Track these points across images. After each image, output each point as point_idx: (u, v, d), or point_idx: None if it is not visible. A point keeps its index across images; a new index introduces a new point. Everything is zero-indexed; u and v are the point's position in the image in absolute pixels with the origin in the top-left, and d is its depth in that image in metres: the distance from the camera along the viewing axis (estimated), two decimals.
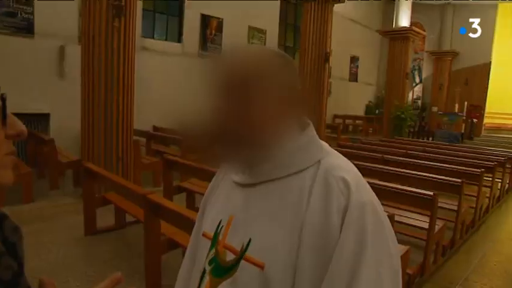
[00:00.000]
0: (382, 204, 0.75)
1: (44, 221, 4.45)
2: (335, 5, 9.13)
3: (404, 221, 3.84)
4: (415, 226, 3.85)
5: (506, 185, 7.05)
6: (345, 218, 0.66)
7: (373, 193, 0.73)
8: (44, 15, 7.07)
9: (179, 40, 9.99)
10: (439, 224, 3.74)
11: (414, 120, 13.90)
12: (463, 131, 14.34)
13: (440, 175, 4.71)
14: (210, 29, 10.43)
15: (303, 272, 0.67)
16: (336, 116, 15.04)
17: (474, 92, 16.34)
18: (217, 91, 0.74)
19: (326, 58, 8.89)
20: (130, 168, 5.40)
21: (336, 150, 0.81)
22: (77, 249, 3.79)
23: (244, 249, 0.73)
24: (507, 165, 6.80)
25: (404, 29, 12.66)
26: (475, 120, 15.22)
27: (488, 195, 5.68)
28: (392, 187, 3.80)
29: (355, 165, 0.78)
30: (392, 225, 0.74)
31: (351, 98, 16.06)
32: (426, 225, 3.58)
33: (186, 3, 9.86)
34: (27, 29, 6.94)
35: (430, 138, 13.92)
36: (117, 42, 5.06)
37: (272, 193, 0.74)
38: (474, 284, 3.56)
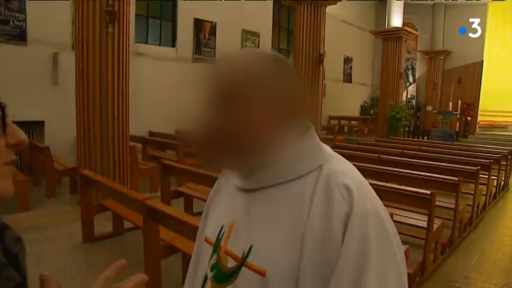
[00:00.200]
0: None
1: (42, 229, 4.41)
2: (327, 6, 9.19)
3: (402, 221, 3.85)
4: (413, 225, 3.87)
5: (502, 182, 7.10)
6: (347, 226, 0.64)
7: (378, 198, 0.71)
8: (36, 23, 7.04)
9: (173, 44, 9.99)
10: (437, 223, 3.75)
11: (409, 119, 13.98)
12: (457, 130, 14.45)
13: (437, 174, 4.74)
14: (204, 32, 10.45)
15: (304, 281, 0.65)
16: (331, 117, 15.10)
17: (467, 91, 16.49)
18: (211, 101, 0.72)
19: (320, 60, 8.93)
20: (127, 174, 5.37)
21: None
22: (76, 256, 3.76)
23: (246, 256, 0.72)
24: (502, 162, 6.86)
25: (396, 29, 12.77)
26: (469, 118, 15.36)
27: (484, 192, 5.72)
28: (389, 187, 3.81)
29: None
30: None
31: (345, 99, 16.14)
32: (424, 224, 3.59)
33: (179, 7, 9.87)
34: (19, 36, 6.91)
35: (426, 137, 14.02)
36: (111, 48, 5.05)
37: (273, 199, 0.73)
38: (474, 281, 3.58)
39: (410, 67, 18.04)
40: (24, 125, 6.90)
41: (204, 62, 10.26)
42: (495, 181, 6.44)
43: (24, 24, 6.94)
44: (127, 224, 4.25)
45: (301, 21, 8.93)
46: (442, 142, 11.06)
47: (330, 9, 9.71)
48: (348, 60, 16.57)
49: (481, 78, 16.36)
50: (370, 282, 0.62)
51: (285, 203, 0.71)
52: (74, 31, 6.12)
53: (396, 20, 13.17)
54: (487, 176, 5.73)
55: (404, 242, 3.33)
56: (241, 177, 0.80)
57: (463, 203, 4.57)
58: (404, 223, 3.86)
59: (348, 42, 16.02)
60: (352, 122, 15.91)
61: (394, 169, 5.04)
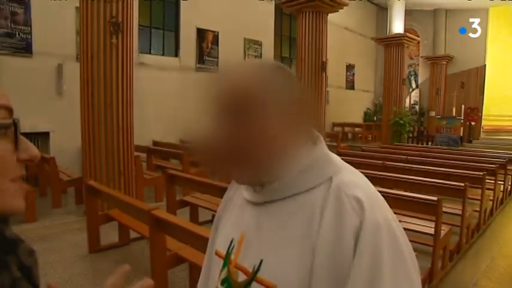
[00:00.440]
0: None
1: (48, 239, 4.42)
2: (329, 14, 9.25)
3: (409, 227, 3.82)
4: (420, 232, 3.83)
5: (509, 187, 7.04)
6: (359, 239, 0.63)
7: (389, 209, 0.70)
8: (41, 35, 7.14)
9: (176, 54, 10.06)
10: (444, 229, 3.72)
11: (413, 125, 13.95)
12: (461, 135, 14.39)
13: (443, 179, 4.71)
14: (206, 42, 10.53)
15: None
16: (334, 124, 15.10)
17: (471, 95, 16.45)
18: (217, 115, 0.72)
19: (323, 67, 8.97)
20: (132, 184, 5.39)
21: None
22: (82, 267, 3.76)
23: (256, 271, 0.71)
24: (508, 167, 6.80)
25: (398, 35, 12.81)
26: (473, 123, 15.29)
27: (491, 198, 5.67)
28: (395, 193, 3.80)
29: None
30: None
31: (348, 106, 16.15)
32: (431, 231, 3.56)
33: (182, 17, 9.97)
34: (25, 48, 7.00)
35: (430, 143, 13.96)
36: (115, 58, 5.10)
37: (284, 212, 0.72)
38: None
39: (412, 73, 18.05)
40: (29, 135, 6.94)
41: (207, 71, 10.32)
42: (501, 186, 6.39)
43: (30, 37, 7.04)
44: (133, 234, 4.24)
45: (303, 29, 8.99)
46: (447, 147, 11.01)
47: (332, 17, 9.77)
48: (350, 67, 16.61)
49: (484, 83, 16.32)
50: None
51: (295, 216, 0.71)
52: (78, 42, 6.18)
53: (398, 26, 13.23)
54: (493, 181, 5.69)
55: None
56: (251, 190, 0.80)
57: (470, 209, 4.54)
58: (411, 230, 3.82)
59: (350, 49, 16.08)
60: (356, 129, 15.88)
61: (399, 175, 5.01)
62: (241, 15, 11.17)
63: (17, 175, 0.56)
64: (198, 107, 0.76)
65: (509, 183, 7.08)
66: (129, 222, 3.93)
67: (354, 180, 0.71)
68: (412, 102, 17.80)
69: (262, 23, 12.18)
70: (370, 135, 15.14)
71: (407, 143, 13.15)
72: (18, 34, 6.91)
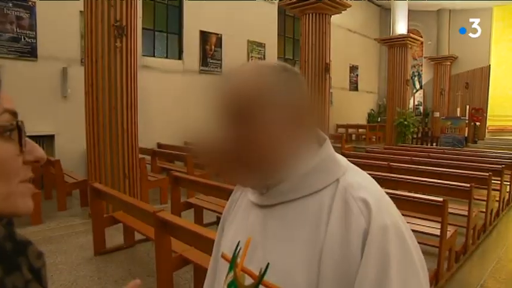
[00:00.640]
0: None
1: (54, 242, 4.44)
2: (332, 15, 9.25)
3: (414, 229, 3.80)
4: (425, 233, 3.81)
5: None
6: (366, 241, 0.62)
7: (397, 211, 0.69)
8: (46, 39, 7.20)
9: (180, 57, 10.10)
10: (450, 230, 3.70)
11: (417, 126, 13.89)
12: (466, 135, 14.32)
13: (448, 180, 4.69)
14: (210, 44, 10.56)
15: None
16: (338, 126, 15.07)
17: (475, 96, 16.38)
18: (222, 118, 0.71)
19: (326, 69, 8.96)
20: (136, 187, 5.40)
21: None
22: (88, 269, 3.77)
23: (263, 274, 0.71)
24: None
25: (401, 36, 12.78)
26: (477, 123, 15.22)
27: (497, 198, 5.63)
28: (400, 194, 3.78)
29: None
30: None
31: (352, 107, 16.13)
32: (437, 232, 3.54)
33: (185, 20, 10.01)
34: (30, 53, 7.06)
35: (434, 144, 13.90)
36: (120, 61, 5.12)
37: (290, 215, 0.72)
38: None
39: (416, 73, 18.00)
40: (34, 138, 6.97)
41: (210, 73, 10.35)
42: (508, 187, 6.34)
43: (35, 41, 7.10)
44: (138, 236, 4.26)
45: (307, 30, 8.99)
46: (452, 148, 10.96)
47: (335, 18, 9.77)
48: (353, 69, 16.59)
49: (489, 83, 16.24)
50: None
51: (302, 219, 0.70)
52: (82, 46, 6.22)
53: (401, 27, 13.20)
54: (499, 182, 5.65)
55: None
56: (257, 192, 0.79)
57: (476, 210, 4.51)
58: (416, 231, 3.80)
59: (354, 50, 16.07)
60: (360, 130, 15.85)
61: (404, 176, 4.99)
62: (245, 18, 11.20)
63: (24, 177, 0.56)
64: (203, 109, 0.76)
65: None
66: (134, 224, 3.94)
67: (361, 182, 0.70)
68: (416, 103, 17.75)
69: (266, 25, 12.20)
70: (374, 137, 15.11)
71: (412, 144, 13.10)
72: (24, 38, 6.97)
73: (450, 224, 3.78)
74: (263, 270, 0.71)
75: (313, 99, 8.46)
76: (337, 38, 12.40)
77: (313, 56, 8.93)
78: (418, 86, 18.09)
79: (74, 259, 3.97)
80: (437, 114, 16.58)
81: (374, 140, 14.89)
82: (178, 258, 3.10)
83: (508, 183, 6.34)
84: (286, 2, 9.15)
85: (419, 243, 0.68)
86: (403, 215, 0.70)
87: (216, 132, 0.72)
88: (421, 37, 15.81)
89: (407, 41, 12.64)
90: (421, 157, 7.27)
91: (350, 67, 16.36)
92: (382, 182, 4.75)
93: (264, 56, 12.12)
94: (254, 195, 0.80)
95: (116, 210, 4.35)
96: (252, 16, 11.45)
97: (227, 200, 0.97)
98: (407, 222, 0.69)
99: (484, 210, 5.02)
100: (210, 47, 10.57)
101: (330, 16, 9.15)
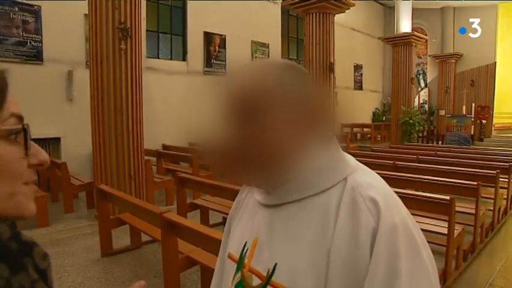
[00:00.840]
0: None
1: (62, 244, 4.47)
2: (335, 15, 9.23)
3: (421, 227, 3.75)
4: (432, 232, 3.78)
5: None
6: (375, 241, 0.61)
7: (406, 210, 0.68)
8: (51, 42, 7.25)
9: (184, 58, 10.13)
10: (457, 229, 3.67)
11: (422, 124, 13.81)
12: (472, 133, 14.21)
13: (455, 178, 4.66)
14: (214, 45, 10.58)
15: None
16: (343, 125, 15.02)
17: (481, 93, 16.26)
18: (228, 117, 0.71)
19: (330, 68, 8.95)
20: (142, 188, 5.42)
21: None
22: (95, 270, 3.79)
23: (270, 275, 0.70)
24: None
25: (405, 34, 12.72)
26: (484, 121, 15.10)
27: (505, 196, 5.59)
28: (407, 193, 3.76)
29: None
30: None
31: (357, 107, 16.07)
32: (444, 231, 3.52)
33: (189, 21, 10.04)
34: (36, 56, 7.12)
35: (440, 142, 13.81)
36: (124, 64, 5.15)
37: (297, 214, 0.71)
38: None
39: (421, 72, 17.91)
40: (41, 141, 7.05)
41: (215, 74, 10.37)
42: None
43: (41, 45, 7.16)
44: (144, 237, 4.27)
45: (310, 30, 8.98)
46: (458, 146, 10.88)
47: (338, 17, 9.75)
48: (358, 68, 16.54)
49: (494, 80, 16.12)
50: None
51: (309, 218, 0.69)
52: (87, 49, 6.26)
53: (405, 25, 13.14)
54: (507, 180, 5.60)
55: None
56: (264, 192, 0.78)
57: (483, 208, 4.48)
58: (424, 230, 3.76)
59: (358, 49, 16.02)
60: (365, 129, 15.78)
61: (411, 175, 4.96)
62: (248, 18, 11.21)
63: (28, 179, 0.57)
64: (208, 109, 0.75)
65: None
66: (140, 225, 3.95)
67: (369, 181, 0.69)
68: (421, 101, 17.66)
69: (269, 25, 12.20)
70: (379, 136, 15.03)
71: (417, 142, 13.03)
72: (30, 42, 7.03)
73: (458, 223, 3.75)
74: (271, 270, 0.70)
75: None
76: (341, 37, 12.36)
77: (317, 55, 8.92)
78: (423, 85, 18.00)
79: (81, 261, 3.99)
80: (442, 112, 16.47)
81: (379, 139, 14.82)
82: (185, 259, 3.11)
83: None
84: (289, 1, 9.15)
85: (426, 241, 0.67)
86: (410, 213, 0.69)
87: (222, 131, 0.71)
88: (426, 35, 15.72)
89: (412, 39, 12.57)
90: (427, 155, 7.22)
91: (354, 66, 16.31)
92: (388, 181, 4.71)
93: (268, 56, 12.11)
94: (261, 195, 0.79)
95: (122, 212, 4.37)
96: (255, 16, 11.46)
97: (233, 200, 0.96)
98: (415, 221, 0.69)
99: (492, 208, 4.98)
100: (214, 47, 10.59)
101: (334, 15, 9.14)
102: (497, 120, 16.11)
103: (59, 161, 6.39)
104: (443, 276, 3.42)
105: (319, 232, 0.67)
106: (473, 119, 14.56)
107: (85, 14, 6.60)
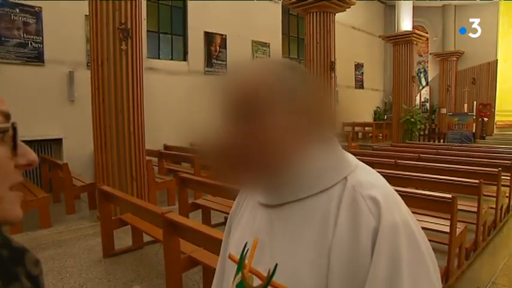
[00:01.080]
0: None
1: (63, 245, 4.48)
2: (336, 14, 9.21)
3: (423, 226, 3.75)
4: (434, 230, 3.78)
5: None
6: (376, 241, 0.61)
7: (407, 209, 0.68)
8: (52, 44, 7.27)
9: (184, 58, 10.13)
10: (460, 227, 3.66)
11: (424, 123, 13.79)
12: (474, 131, 14.18)
13: (457, 177, 4.65)
14: (215, 45, 10.58)
15: None
16: (344, 124, 15.00)
17: (483, 91, 16.21)
18: (227, 116, 0.70)
19: (331, 67, 8.93)
20: (144, 189, 5.42)
21: None
22: (97, 271, 3.79)
23: (271, 275, 0.70)
24: None
25: (406, 32, 12.69)
26: (485, 119, 15.06)
27: (507, 194, 5.57)
28: (408, 192, 3.75)
29: None
30: None
31: (358, 105, 16.04)
32: (446, 229, 3.51)
33: (189, 21, 10.04)
34: (37, 57, 7.13)
35: (442, 140, 13.79)
36: (125, 64, 5.15)
37: (297, 214, 0.70)
38: (503, 287, 3.46)
39: (422, 70, 17.86)
40: (42, 142, 7.08)
41: (215, 74, 10.37)
42: None
43: (41, 46, 7.17)
44: (146, 238, 4.27)
45: (311, 29, 8.97)
46: (460, 144, 10.86)
47: (339, 16, 9.73)
48: (359, 66, 16.52)
49: (496, 78, 16.07)
50: None
51: (310, 218, 0.68)
52: (88, 50, 6.27)
53: (406, 23, 13.10)
54: (509, 178, 5.59)
55: None
56: (263, 192, 0.78)
57: (485, 206, 4.46)
58: (426, 228, 3.77)
59: (358, 48, 15.99)
60: (366, 128, 15.77)
61: (412, 174, 4.96)
62: (249, 18, 11.20)
63: (15, 182, 0.54)
64: (208, 109, 0.75)
65: None
66: (142, 226, 3.96)
67: (370, 180, 0.69)
68: (422, 99, 17.62)
69: (270, 25, 12.20)
70: (381, 134, 15.01)
71: (419, 141, 13.00)
72: (31, 44, 7.04)
73: (460, 221, 3.74)
74: (271, 271, 0.70)
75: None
76: (342, 36, 12.33)
77: (318, 54, 8.91)
78: (424, 83, 17.96)
79: (83, 262, 4.00)
80: (444, 110, 16.43)
81: (381, 137, 14.80)
82: (187, 259, 3.11)
83: None
84: (290, 1, 9.13)
85: (428, 240, 0.67)
86: (411, 212, 0.69)
87: (222, 130, 0.70)
88: (427, 33, 15.69)
89: (413, 38, 12.54)
90: (428, 154, 7.21)
91: (355, 65, 16.29)
92: (389, 179, 4.70)
93: (269, 55, 12.10)
94: (261, 195, 0.79)
95: (124, 213, 4.37)
96: (256, 16, 11.45)
97: (234, 200, 0.96)
98: (416, 220, 0.68)
99: (494, 206, 4.97)
100: (215, 47, 10.59)
101: (334, 14, 9.11)
102: (499, 118, 16.06)
103: (61, 161, 6.40)
104: (446, 275, 3.42)
105: (319, 232, 0.66)
106: (474, 117, 14.53)
107: (86, 15, 6.62)
